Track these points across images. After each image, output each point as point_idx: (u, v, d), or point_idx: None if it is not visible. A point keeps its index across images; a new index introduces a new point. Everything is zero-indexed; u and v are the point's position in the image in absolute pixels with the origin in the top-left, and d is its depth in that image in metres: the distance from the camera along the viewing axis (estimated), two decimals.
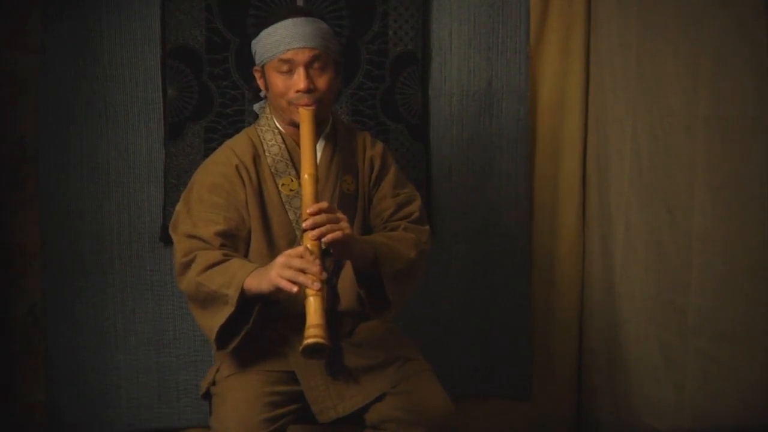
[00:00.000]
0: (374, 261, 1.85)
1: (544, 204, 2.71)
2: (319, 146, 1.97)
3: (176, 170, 2.50)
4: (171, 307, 2.56)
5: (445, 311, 2.66)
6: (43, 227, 2.52)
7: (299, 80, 1.87)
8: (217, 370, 1.95)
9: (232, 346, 1.83)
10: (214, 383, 1.95)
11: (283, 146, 1.98)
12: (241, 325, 1.81)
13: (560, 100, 2.68)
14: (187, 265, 1.84)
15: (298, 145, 1.96)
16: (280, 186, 1.95)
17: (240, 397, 1.84)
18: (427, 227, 2.05)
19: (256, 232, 1.93)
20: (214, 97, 2.51)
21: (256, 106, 2.13)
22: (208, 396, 1.98)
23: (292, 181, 1.95)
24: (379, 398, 1.89)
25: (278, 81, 1.90)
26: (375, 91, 2.56)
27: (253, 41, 1.95)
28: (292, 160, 1.97)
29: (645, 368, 2.48)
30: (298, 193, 1.94)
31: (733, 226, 2.26)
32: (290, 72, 1.89)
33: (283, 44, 1.87)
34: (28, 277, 2.55)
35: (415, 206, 2.04)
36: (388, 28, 2.55)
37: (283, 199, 1.95)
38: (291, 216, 1.94)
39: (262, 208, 1.94)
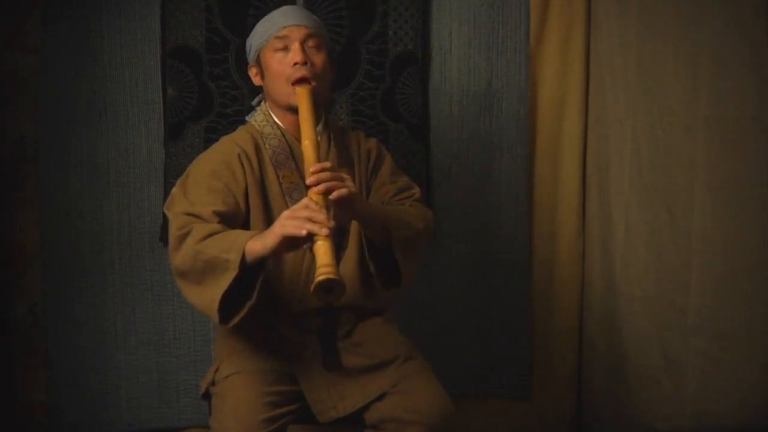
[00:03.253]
0: (384, 227, 1.84)
1: (544, 204, 2.71)
2: None
3: (176, 170, 2.50)
4: (171, 307, 2.56)
5: (445, 311, 2.66)
6: (43, 227, 2.52)
7: (295, 54, 1.91)
8: (217, 370, 1.94)
9: (234, 321, 1.74)
10: (213, 383, 1.94)
11: (282, 139, 1.98)
12: (244, 300, 1.74)
13: (560, 100, 2.68)
14: (183, 238, 1.77)
15: (297, 138, 1.96)
16: (281, 177, 1.95)
17: (240, 396, 1.84)
18: (431, 211, 2.06)
19: (256, 222, 1.91)
20: (214, 97, 2.51)
21: (248, 117, 2.13)
22: (207, 396, 1.98)
23: (292, 173, 1.96)
24: (379, 398, 1.89)
25: (274, 61, 1.93)
26: (375, 91, 2.56)
27: (248, 38, 2.01)
28: (292, 153, 1.97)
29: (645, 368, 2.48)
30: (298, 186, 1.94)
31: (733, 226, 2.27)
32: (286, 49, 1.93)
33: (278, 23, 1.94)
34: (28, 277, 2.55)
35: (416, 190, 2.06)
36: (388, 28, 2.55)
37: (284, 191, 1.95)
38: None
39: (264, 197, 1.94)
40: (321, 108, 2.01)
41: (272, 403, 1.83)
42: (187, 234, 1.77)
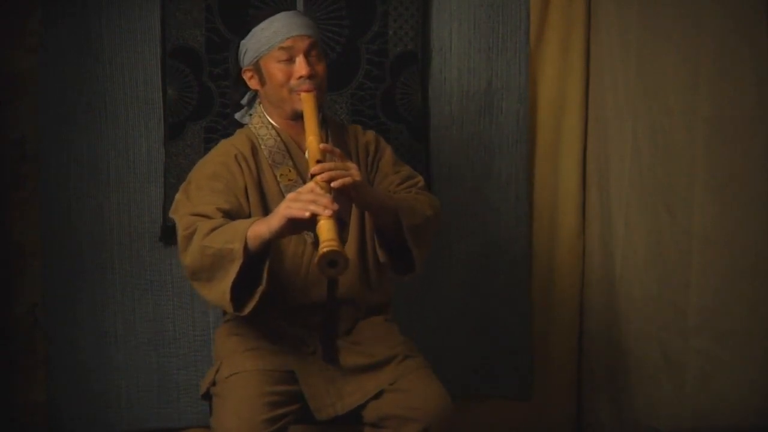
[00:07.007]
0: (393, 215, 1.85)
1: (544, 204, 2.71)
2: None
3: (176, 170, 2.50)
4: (171, 307, 2.56)
5: (445, 311, 2.66)
6: (43, 227, 2.52)
7: (301, 67, 1.92)
8: (217, 371, 1.95)
9: (248, 309, 1.77)
10: (214, 384, 1.95)
11: (278, 139, 2.00)
12: (255, 287, 1.76)
13: (560, 100, 2.68)
14: (190, 237, 1.81)
15: (293, 138, 2.00)
16: (278, 176, 1.96)
17: (241, 396, 1.84)
18: (438, 199, 2.07)
19: None
20: (214, 97, 2.51)
21: (237, 115, 2.13)
22: (208, 396, 1.98)
23: (290, 171, 1.97)
24: (378, 396, 1.90)
25: (277, 71, 1.94)
26: (375, 91, 2.56)
27: (243, 41, 1.99)
28: (288, 151, 1.99)
29: (645, 368, 2.48)
30: (296, 183, 1.95)
31: (733, 226, 2.27)
32: (290, 60, 1.93)
33: (281, 33, 1.92)
34: (28, 277, 2.55)
35: (419, 179, 2.08)
36: (388, 28, 2.55)
37: (282, 189, 1.95)
38: None
39: (262, 197, 1.95)
40: (323, 102, 2.03)
41: (273, 403, 1.83)
42: (192, 233, 1.81)
